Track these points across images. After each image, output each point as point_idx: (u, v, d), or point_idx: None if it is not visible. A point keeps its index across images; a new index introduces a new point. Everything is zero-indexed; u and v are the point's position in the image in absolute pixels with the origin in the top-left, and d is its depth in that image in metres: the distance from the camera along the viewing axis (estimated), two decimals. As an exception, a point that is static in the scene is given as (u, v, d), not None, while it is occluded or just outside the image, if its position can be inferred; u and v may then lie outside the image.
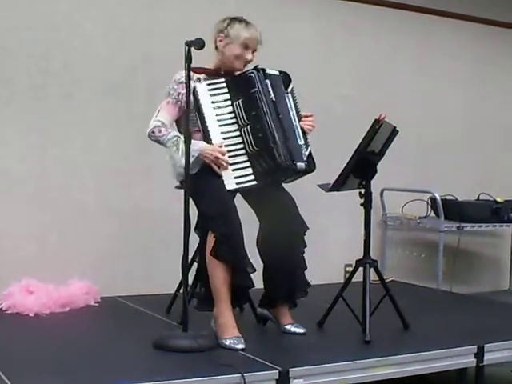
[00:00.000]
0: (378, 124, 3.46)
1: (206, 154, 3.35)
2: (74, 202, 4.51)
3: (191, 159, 3.27)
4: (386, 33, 5.58)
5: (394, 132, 3.65)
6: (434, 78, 5.82)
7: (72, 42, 4.48)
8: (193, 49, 3.19)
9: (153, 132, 3.45)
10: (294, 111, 3.58)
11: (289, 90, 3.62)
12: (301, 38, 5.21)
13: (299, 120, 3.58)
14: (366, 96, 5.40)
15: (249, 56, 3.55)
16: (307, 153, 3.54)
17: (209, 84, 3.46)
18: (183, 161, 3.26)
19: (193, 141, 3.32)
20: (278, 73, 3.60)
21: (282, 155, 3.38)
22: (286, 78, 3.63)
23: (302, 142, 3.54)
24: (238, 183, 3.38)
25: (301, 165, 3.45)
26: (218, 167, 3.37)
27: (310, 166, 3.54)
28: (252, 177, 3.39)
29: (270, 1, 5.09)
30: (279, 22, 5.07)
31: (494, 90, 6.13)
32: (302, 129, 3.57)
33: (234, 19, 3.57)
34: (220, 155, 3.35)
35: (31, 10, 4.36)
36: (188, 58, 3.19)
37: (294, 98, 3.62)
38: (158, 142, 3.46)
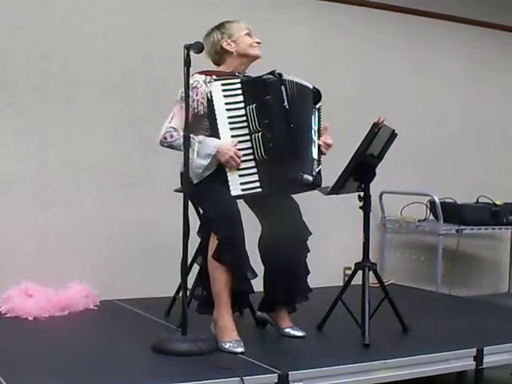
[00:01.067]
0: (376, 127, 3.46)
1: (224, 151, 3.31)
2: (74, 204, 4.50)
3: (209, 158, 3.29)
4: (384, 35, 5.58)
5: (393, 135, 3.66)
6: (433, 80, 5.82)
7: (72, 44, 4.48)
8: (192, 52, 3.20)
9: (165, 138, 3.41)
10: (316, 127, 3.57)
11: (317, 106, 3.60)
12: (298, 40, 5.21)
13: (319, 137, 3.58)
14: (364, 98, 5.40)
15: (257, 39, 3.57)
16: (318, 169, 3.53)
17: (223, 84, 3.39)
18: (198, 161, 3.27)
19: (207, 138, 3.33)
20: (309, 85, 3.57)
21: (291, 166, 3.36)
22: (316, 95, 3.61)
23: (316, 156, 3.53)
24: (243, 189, 3.35)
25: (307, 177, 3.43)
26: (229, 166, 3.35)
27: (318, 180, 3.52)
28: (258, 184, 3.36)
29: (267, 2, 5.09)
30: (277, 24, 5.07)
31: (492, 92, 6.14)
32: (319, 146, 3.56)
33: (219, 25, 3.60)
34: (235, 154, 3.33)
35: (31, 12, 4.36)
36: (187, 62, 3.19)
37: (319, 115, 3.60)
38: (171, 147, 3.42)
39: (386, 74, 5.59)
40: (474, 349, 3.43)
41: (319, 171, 3.55)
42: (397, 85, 5.63)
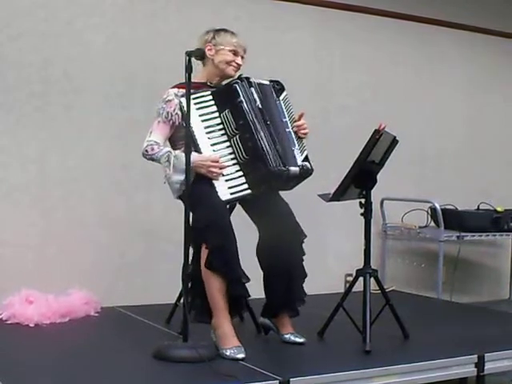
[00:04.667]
0: (378, 134, 3.46)
1: (199, 164, 3.36)
2: (74, 210, 4.51)
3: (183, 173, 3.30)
4: (386, 43, 5.59)
5: (394, 142, 3.67)
6: (435, 87, 5.83)
7: (72, 50, 4.49)
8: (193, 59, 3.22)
9: (146, 151, 3.51)
10: (287, 118, 3.59)
11: (281, 97, 3.63)
12: (299, 48, 5.22)
13: (293, 126, 3.59)
14: (365, 105, 5.41)
15: (239, 61, 3.59)
16: (303, 157, 3.55)
17: (194, 98, 3.44)
18: (175, 177, 3.31)
19: (183, 154, 3.33)
20: (267, 82, 3.61)
21: (274, 161, 3.37)
22: (277, 87, 3.64)
23: (296, 147, 3.55)
24: (232, 193, 3.38)
25: (295, 169, 3.46)
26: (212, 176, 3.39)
27: (308, 170, 3.54)
28: (246, 186, 3.39)
29: (268, 11, 5.10)
30: (278, 32, 5.09)
31: (494, 99, 6.14)
32: (296, 134, 3.59)
33: (219, 30, 3.63)
34: (212, 164, 3.37)
35: (32, 18, 4.37)
36: (188, 68, 3.21)
37: (286, 104, 3.63)
38: (152, 159, 3.52)
39: (388, 81, 5.60)
40: (475, 355, 3.42)
41: (306, 158, 3.57)
42: (398, 92, 5.64)
